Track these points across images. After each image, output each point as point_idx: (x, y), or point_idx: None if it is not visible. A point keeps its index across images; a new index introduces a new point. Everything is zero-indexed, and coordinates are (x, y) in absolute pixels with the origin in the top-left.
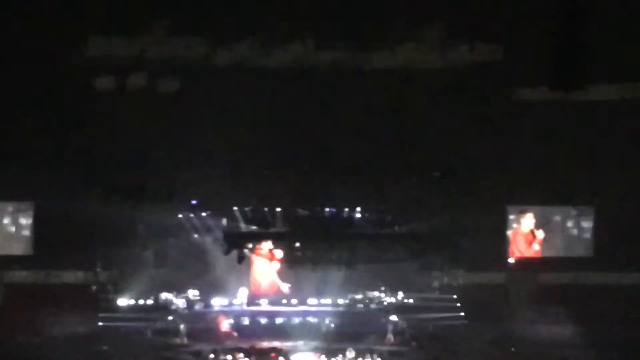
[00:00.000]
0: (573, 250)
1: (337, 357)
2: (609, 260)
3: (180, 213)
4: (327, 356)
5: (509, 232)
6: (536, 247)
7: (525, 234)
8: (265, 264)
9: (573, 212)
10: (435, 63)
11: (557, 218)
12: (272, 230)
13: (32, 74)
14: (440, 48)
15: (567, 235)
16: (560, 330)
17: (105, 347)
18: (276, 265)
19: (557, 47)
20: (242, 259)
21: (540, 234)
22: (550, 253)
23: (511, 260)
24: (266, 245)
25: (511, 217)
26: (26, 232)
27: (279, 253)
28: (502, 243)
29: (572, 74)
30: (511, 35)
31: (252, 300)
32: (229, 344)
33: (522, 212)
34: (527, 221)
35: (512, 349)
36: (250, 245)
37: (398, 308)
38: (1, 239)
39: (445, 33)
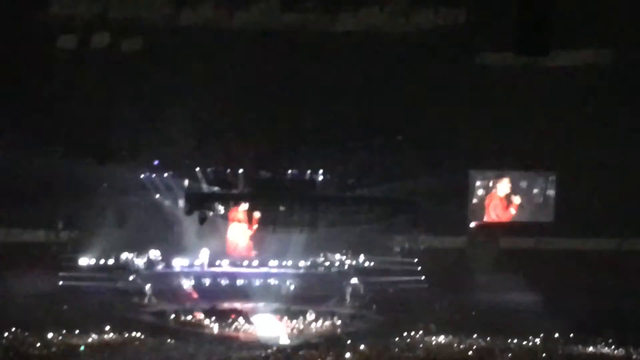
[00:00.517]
0: (534, 216)
1: (298, 319)
2: (570, 226)
3: (143, 173)
4: (287, 318)
5: (485, 197)
6: (512, 211)
7: (501, 198)
8: (228, 226)
9: (535, 177)
10: (399, 27)
11: (519, 183)
12: (234, 191)
13: None
14: (404, 12)
15: (529, 201)
16: (519, 295)
17: (65, 307)
18: (238, 227)
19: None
20: (203, 220)
21: (517, 199)
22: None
23: (472, 224)
24: (227, 207)
25: (476, 183)
26: None
27: (241, 215)
28: (464, 207)
29: (535, 39)
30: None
31: (213, 261)
32: (190, 304)
33: (499, 177)
34: (503, 186)
35: (472, 313)
36: (212, 207)
37: (359, 271)
38: None
39: None
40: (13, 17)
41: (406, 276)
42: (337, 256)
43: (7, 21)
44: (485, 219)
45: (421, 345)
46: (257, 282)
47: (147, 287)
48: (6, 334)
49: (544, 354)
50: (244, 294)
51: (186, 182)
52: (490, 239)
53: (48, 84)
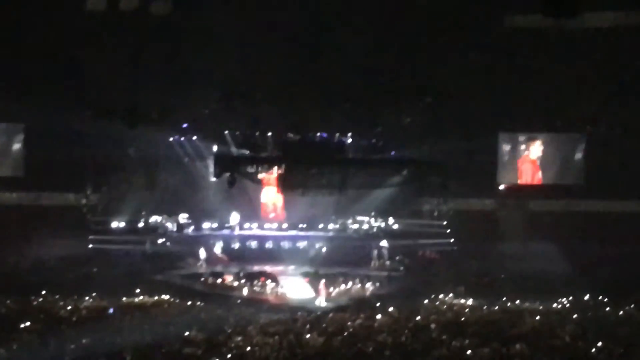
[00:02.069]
0: (564, 178)
1: (327, 282)
2: (600, 187)
3: (172, 136)
4: (316, 281)
5: (515, 159)
6: (542, 174)
7: (531, 161)
8: (256, 189)
9: (565, 139)
10: None
11: (549, 145)
12: (262, 154)
13: None
14: None
15: (559, 163)
16: (549, 258)
17: (95, 269)
18: (266, 190)
19: None
20: (232, 183)
21: (542, 160)
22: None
23: (502, 187)
24: (256, 170)
25: (505, 146)
26: (17, 154)
27: (269, 178)
28: (493, 170)
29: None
30: None
31: (242, 224)
32: (219, 267)
33: (528, 139)
34: (533, 148)
35: (502, 276)
36: (241, 169)
37: (388, 234)
38: None
39: None
40: None
41: (435, 239)
42: (366, 218)
43: None
44: (515, 181)
45: (450, 308)
46: (286, 245)
47: (176, 249)
48: (37, 297)
49: (573, 317)
50: (273, 256)
51: (215, 145)
52: (519, 202)
53: (77, 47)
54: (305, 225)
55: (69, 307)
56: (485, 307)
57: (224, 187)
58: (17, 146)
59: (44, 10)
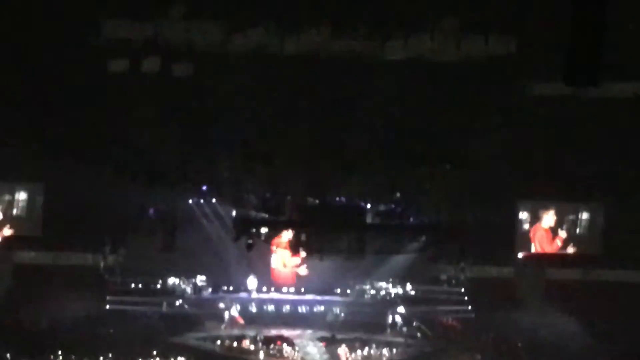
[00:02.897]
0: (582, 247)
1: (343, 347)
2: (618, 257)
3: (191, 198)
4: (332, 345)
5: (530, 228)
6: (558, 243)
7: (546, 230)
8: (275, 252)
9: (582, 208)
10: (449, 55)
11: (567, 214)
12: (281, 218)
13: (47, 56)
14: (454, 40)
15: (577, 232)
16: (567, 327)
17: (111, 330)
18: (284, 254)
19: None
20: (250, 246)
21: (563, 233)
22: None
23: (520, 255)
24: (275, 234)
25: (524, 214)
26: (36, 213)
27: (288, 241)
28: (511, 237)
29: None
30: (526, 28)
31: (260, 287)
32: (236, 330)
33: (545, 208)
34: (549, 218)
35: (519, 344)
36: (260, 233)
37: (405, 299)
38: (11, 219)
39: (460, 25)
40: (65, 41)
41: (453, 306)
42: (384, 284)
43: (58, 45)
44: (532, 250)
45: None
46: (304, 309)
47: (194, 312)
48: (53, 357)
49: None
50: (290, 321)
51: (234, 208)
52: (537, 270)
53: (98, 107)
54: (322, 290)
55: None
56: None
57: (242, 250)
58: (36, 205)
59: (66, 70)
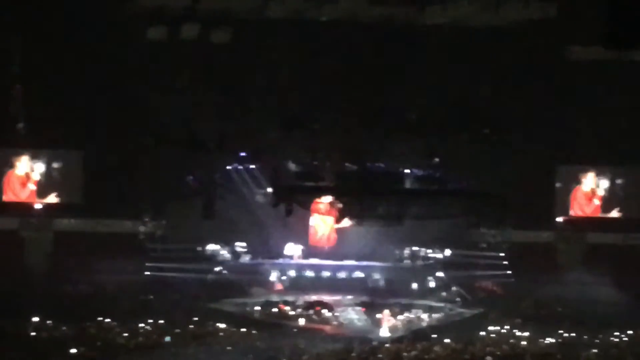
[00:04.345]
0: (622, 211)
1: (383, 312)
2: None
3: (229, 165)
4: (372, 311)
5: (570, 192)
6: (600, 206)
7: (586, 192)
8: (315, 218)
9: (622, 172)
10: (488, 19)
11: (607, 178)
12: (320, 184)
13: (85, 24)
14: (493, 4)
15: (617, 196)
16: (607, 291)
17: (151, 297)
18: (323, 220)
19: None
20: (289, 212)
21: (601, 192)
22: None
23: (560, 219)
24: (314, 200)
25: (563, 177)
26: (77, 181)
27: (328, 207)
28: (551, 201)
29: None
30: None
31: (299, 253)
32: (276, 296)
33: (584, 171)
34: (589, 180)
35: (559, 309)
36: (299, 199)
37: (445, 264)
38: (51, 186)
39: None
40: (103, 9)
41: (492, 270)
42: (423, 249)
43: (97, 13)
44: (572, 213)
45: (507, 340)
46: (343, 275)
47: (233, 278)
48: (93, 323)
49: (632, 350)
50: (329, 286)
51: (273, 175)
52: (577, 234)
53: (137, 75)
54: (361, 255)
55: (125, 334)
56: (542, 340)
57: (281, 215)
58: (76, 173)
59: (106, 38)
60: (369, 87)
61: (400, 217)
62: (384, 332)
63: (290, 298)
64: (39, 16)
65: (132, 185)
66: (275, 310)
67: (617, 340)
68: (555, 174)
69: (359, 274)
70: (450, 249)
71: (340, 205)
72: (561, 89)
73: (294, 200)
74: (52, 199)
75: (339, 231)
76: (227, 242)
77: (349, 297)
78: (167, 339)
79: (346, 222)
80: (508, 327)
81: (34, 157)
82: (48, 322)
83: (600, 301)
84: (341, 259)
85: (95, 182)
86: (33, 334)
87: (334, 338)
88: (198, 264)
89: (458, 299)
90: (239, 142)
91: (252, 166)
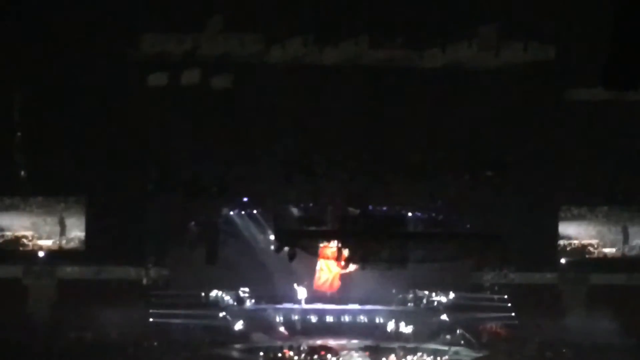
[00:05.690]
0: (625, 252)
1: (387, 356)
2: None
3: (232, 210)
4: (376, 355)
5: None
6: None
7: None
8: (318, 263)
9: (624, 213)
10: (488, 62)
11: (610, 218)
12: (323, 228)
13: (86, 70)
14: (493, 47)
15: (620, 236)
16: (611, 332)
17: (155, 343)
18: (326, 264)
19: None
20: (292, 256)
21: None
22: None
23: (563, 260)
24: (317, 244)
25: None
26: (78, 228)
27: (330, 251)
28: (554, 243)
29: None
30: (564, 34)
31: (302, 298)
32: (280, 341)
33: (592, 212)
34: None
35: (564, 350)
36: (301, 244)
37: (449, 307)
38: (54, 234)
39: (499, 32)
40: (105, 55)
41: (496, 312)
42: (427, 292)
43: (99, 59)
44: (576, 255)
45: None
46: (347, 319)
47: (237, 323)
48: None
49: None
50: (333, 330)
51: (275, 220)
52: (581, 276)
53: (139, 120)
54: (364, 299)
55: None
56: None
57: (283, 260)
58: (78, 220)
59: (107, 84)
60: (370, 131)
61: (403, 260)
62: None
63: (294, 343)
64: (40, 63)
65: (135, 232)
66: (279, 355)
67: None
68: (558, 215)
69: (363, 318)
70: (454, 292)
71: (343, 250)
72: (562, 130)
73: (297, 244)
74: (55, 246)
75: (343, 276)
76: (231, 288)
77: (354, 341)
78: None
79: (350, 267)
80: None
81: (37, 204)
82: None
83: (605, 343)
84: (345, 303)
85: (97, 229)
86: None
87: None
88: (202, 310)
89: (462, 342)
90: (241, 187)
91: (255, 211)
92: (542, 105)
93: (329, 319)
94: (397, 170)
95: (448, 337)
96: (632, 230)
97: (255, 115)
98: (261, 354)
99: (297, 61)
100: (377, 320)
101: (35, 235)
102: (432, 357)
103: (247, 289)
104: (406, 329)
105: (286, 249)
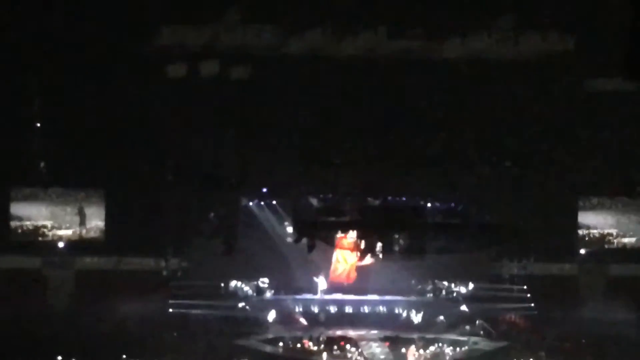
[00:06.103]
0: None
1: (406, 346)
2: None
3: (251, 201)
4: (396, 345)
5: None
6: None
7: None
8: (336, 254)
9: None
10: (506, 53)
11: (629, 209)
12: (342, 219)
13: (107, 63)
14: (512, 38)
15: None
16: (630, 323)
17: (175, 334)
18: (345, 254)
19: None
20: (311, 247)
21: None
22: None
23: (582, 251)
24: (336, 235)
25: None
26: (98, 219)
27: (350, 243)
28: (573, 234)
29: None
30: (583, 24)
31: (321, 288)
32: (299, 331)
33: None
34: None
35: (582, 341)
36: (320, 234)
37: (468, 298)
38: (73, 224)
39: (517, 23)
40: (123, 48)
41: (515, 303)
42: (446, 283)
43: (117, 52)
44: (595, 245)
45: None
46: (366, 310)
47: (256, 314)
48: None
49: None
50: (352, 321)
51: (294, 210)
52: (600, 266)
53: (158, 112)
54: (383, 290)
55: None
56: None
57: (303, 251)
58: (97, 211)
59: (127, 76)
60: (389, 121)
61: (422, 251)
62: None
63: (313, 333)
64: (60, 55)
65: (154, 222)
66: (298, 345)
67: None
68: (577, 206)
69: (382, 308)
70: (473, 283)
71: (361, 240)
72: (581, 120)
73: (316, 235)
74: (74, 236)
75: (363, 266)
76: (250, 278)
77: (373, 331)
78: None
79: (367, 260)
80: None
81: (57, 194)
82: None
83: (623, 334)
84: (364, 294)
85: (116, 220)
86: None
87: None
88: (221, 301)
89: (481, 332)
90: (260, 178)
91: (273, 202)
92: (562, 95)
93: (349, 309)
94: (416, 161)
95: (467, 327)
96: None
97: (273, 106)
98: (280, 344)
99: (315, 52)
100: (396, 311)
101: (55, 225)
102: (451, 347)
103: (266, 280)
104: (425, 319)
105: (305, 239)
